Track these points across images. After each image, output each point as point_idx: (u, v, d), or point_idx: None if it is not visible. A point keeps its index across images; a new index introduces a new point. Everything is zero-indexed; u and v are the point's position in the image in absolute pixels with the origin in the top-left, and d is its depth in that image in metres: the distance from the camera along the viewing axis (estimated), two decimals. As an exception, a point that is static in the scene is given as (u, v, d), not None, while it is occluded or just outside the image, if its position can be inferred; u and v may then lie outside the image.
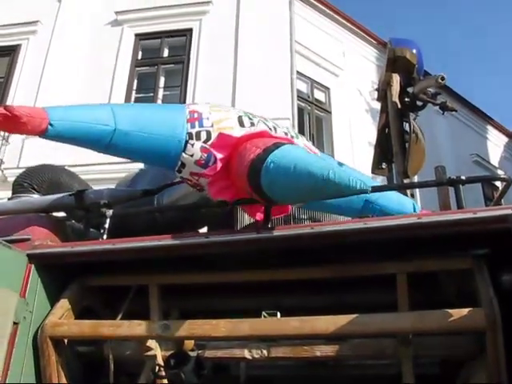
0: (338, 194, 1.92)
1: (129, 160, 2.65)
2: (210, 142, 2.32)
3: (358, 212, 2.74)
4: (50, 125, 2.14)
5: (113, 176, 9.69)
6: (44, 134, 2.15)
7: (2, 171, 11.10)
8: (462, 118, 17.86)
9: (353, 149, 13.01)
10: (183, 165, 2.34)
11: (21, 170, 10.73)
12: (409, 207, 2.81)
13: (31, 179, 3.10)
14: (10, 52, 12.90)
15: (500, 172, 18.42)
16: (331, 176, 1.84)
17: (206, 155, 2.31)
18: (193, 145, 2.32)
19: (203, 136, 2.33)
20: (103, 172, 9.97)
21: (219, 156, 2.27)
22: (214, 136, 2.33)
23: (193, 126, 2.36)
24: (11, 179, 10.75)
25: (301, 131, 11.83)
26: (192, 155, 2.32)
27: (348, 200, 2.59)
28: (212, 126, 2.36)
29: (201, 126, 2.36)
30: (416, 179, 3.63)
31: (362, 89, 13.84)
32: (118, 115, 2.30)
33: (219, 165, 2.27)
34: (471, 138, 18.61)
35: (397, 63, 3.35)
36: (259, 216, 2.33)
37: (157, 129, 2.35)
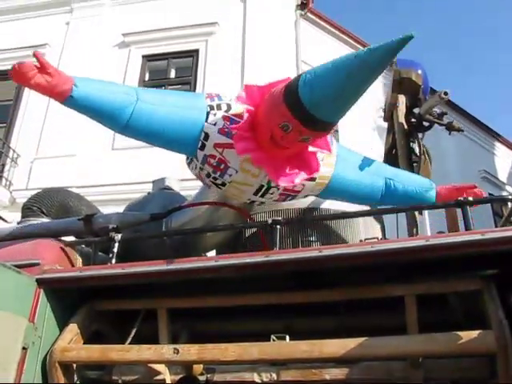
0: (387, 56, 1.96)
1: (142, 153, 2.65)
2: (231, 112, 2.35)
3: (380, 192, 2.67)
4: (75, 86, 2.18)
5: (120, 197, 9.72)
6: (67, 95, 2.17)
7: (11, 193, 11.15)
8: (470, 135, 17.83)
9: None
10: (206, 136, 2.33)
11: (29, 192, 10.74)
12: (426, 183, 2.77)
13: (40, 203, 3.10)
14: (19, 75, 13.01)
15: (508, 188, 18.39)
16: (372, 47, 1.95)
17: (228, 123, 2.33)
18: (215, 114, 2.35)
19: (224, 107, 2.37)
20: (110, 193, 10.01)
21: (247, 107, 2.30)
22: (234, 106, 2.35)
23: (212, 100, 2.40)
24: (20, 201, 10.86)
25: (308, 150, 11.84)
26: (215, 124, 2.33)
27: (370, 181, 2.62)
28: (231, 100, 2.41)
29: (220, 100, 2.41)
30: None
31: (368, 107, 13.85)
32: (139, 91, 2.35)
33: (246, 115, 2.29)
34: (479, 155, 18.57)
35: (402, 84, 3.36)
36: (282, 181, 2.30)
37: (178, 102, 2.38)
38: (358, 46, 15.59)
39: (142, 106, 2.31)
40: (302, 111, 2.08)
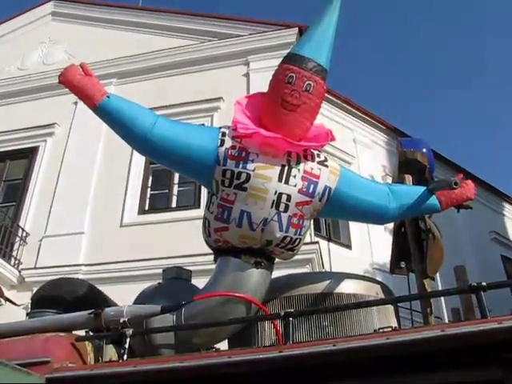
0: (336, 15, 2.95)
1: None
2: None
3: (385, 210, 2.91)
4: (108, 97, 2.75)
5: (130, 274, 9.73)
6: (100, 101, 2.74)
7: (20, 272, 11.11)
8: (478, 197, 17.81)
9: (369, 235, 12.96)
10: (224, 134, 2.80)
11: (38, 271, 10.65)
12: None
13: (50, 294, 3.08)
14: (28, 154, 13.23)
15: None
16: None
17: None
18: (227, 127, 2.85)
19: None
20: (119, 270, 10.02)
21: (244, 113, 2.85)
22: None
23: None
24: (29, 280, 10.75)
25: (316, 221, 11.84)
26: (228, 127, 2.83)
27: (373, 198, 2.88)
28: None
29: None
30: (437, 276, 3.61)
31: (374, 174, 13.95)
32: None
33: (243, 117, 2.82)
34: (488, 216, 18.56)
35: (408, 165, 3.41)
36: (294, 145, 2.75)
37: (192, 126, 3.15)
38: (361, 114, 15.90)
39: (163, 119, 2.85)
40: (296, 56, 2.82)
